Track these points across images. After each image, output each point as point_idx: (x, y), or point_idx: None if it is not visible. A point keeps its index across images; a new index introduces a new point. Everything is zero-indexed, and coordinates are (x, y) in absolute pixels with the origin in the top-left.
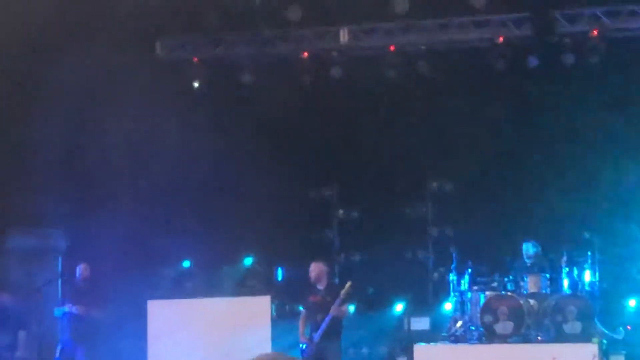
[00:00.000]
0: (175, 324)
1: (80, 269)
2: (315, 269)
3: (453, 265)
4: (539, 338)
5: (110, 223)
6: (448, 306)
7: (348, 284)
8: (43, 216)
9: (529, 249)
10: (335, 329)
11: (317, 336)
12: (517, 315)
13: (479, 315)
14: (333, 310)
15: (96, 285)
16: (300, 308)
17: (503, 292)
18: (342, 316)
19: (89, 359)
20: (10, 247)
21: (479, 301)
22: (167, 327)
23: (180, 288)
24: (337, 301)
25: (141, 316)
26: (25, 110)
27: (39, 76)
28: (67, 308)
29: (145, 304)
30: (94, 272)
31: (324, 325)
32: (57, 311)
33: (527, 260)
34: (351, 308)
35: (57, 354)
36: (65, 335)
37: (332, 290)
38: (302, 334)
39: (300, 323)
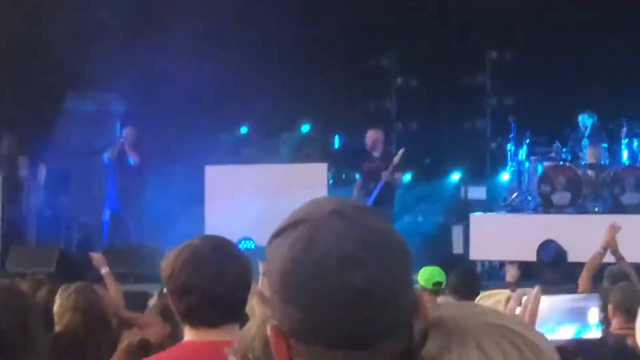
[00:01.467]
0: (232, 189)
1: (126, 132)
2: (372, 136)
3: (511, 135)
4: (596, 209)
5: (168, 88)
6: (505, 176)
7: (401, 151)
8: (102, 80)
9: (586, 119)
10: (387, 196)
11: (368, 202)
12: (574, 185)
13: (536, 185)
14: (384, 177)
15: (142, 145)
16: (357, 176)
17: (561, 163)
18: (394, 183)
19: (139, 224)
20: (69, 111)
21: (537, 171)
22: (224, 192)
23: (237, 154)
24: (390, 167)
25: (198, 181)
26: None
27: None
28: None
29: (203, 169)
30: (152, 136)
31: (375, 191)
32: (105, 157)
33: (585, 131)
34: (405, 176)
35: (107, 217)
36: (114, 195)
37: (388, 158)
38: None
39: (355, 190)
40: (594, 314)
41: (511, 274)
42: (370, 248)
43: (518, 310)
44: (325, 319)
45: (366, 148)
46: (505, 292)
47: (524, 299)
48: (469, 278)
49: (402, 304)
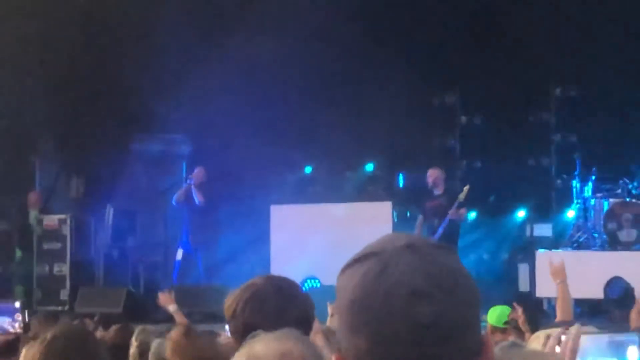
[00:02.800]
0: (297, 228)
1: (195, 171)
2: (433, 174)
3: (576, 172)
4: None
5: (233, 129)
6: (571, 213)
7: (466, 188)
8: (167, 122)
9: None
10: (452, 233)
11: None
12: None
13: (602, 222)
14: (451, 214)
15: (210, 185)
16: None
17: (627, 199)
18: (460, 220)
19: (206, 264)
20: (135, 152)
21: (603, 208)
22: (290, 231)
23: (302, 193)
24: (455, 204)
25: (264, 220)
26: (151, 17)
27: None
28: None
29: (269, 208)
30: (218, 177)
31: (440, 229)
32: (173, 200)
33: None
34: (470, 214)
35: (179, 257)
36: (185, 235)
37: (449, 195)
38: None
39: (417, 228)
40: (633, 353)
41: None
42: (441, 284)
43: (558, 349)
44: (390, 351)
45: (427, 186)
46: (558, 330)
47: (564, 337)
48: (531, 315)
49: (468, 342)
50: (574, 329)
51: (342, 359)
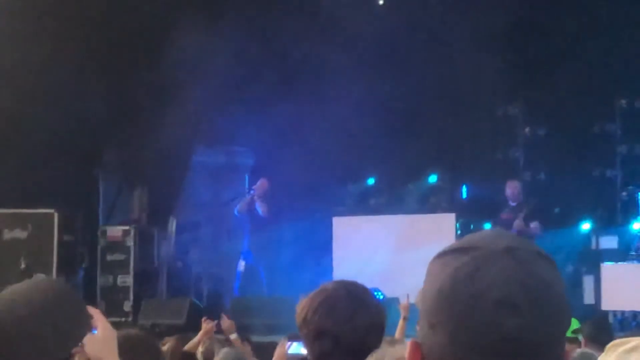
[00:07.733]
0: (359, 240)
1: (259, 183)
2: (512, 186)
3: None
4: None
5: (296, 141)
6: (637, 225)
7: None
8: (230, 134)
9: None
10: None
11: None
12: None
13: None
14: (516, 225)
15: (273, 197)
16: (485, 225)
17: None
18: (531, 233)
19: (268, 275)
20: (198, 164)
21: None
22: (352, 242)
23: (364, 204)
24: (520, 216)
25: (327, 231)
26: (215, 34)
27: None
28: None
29: (331, 219)
30: (281, 188)
31: None
32: (235, 211)
33: None
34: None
35: (241, 268)
36: (247, 246)
37: (523, 209)
38: None
39: None
40: None
41: None
42: (532, 297)
43: None
44: (467, 353)
45: (506, 197)
46: (636, 340)
47: None
48: (605, 326)
49: (549, 358)
50: None
51: (419, 347)
